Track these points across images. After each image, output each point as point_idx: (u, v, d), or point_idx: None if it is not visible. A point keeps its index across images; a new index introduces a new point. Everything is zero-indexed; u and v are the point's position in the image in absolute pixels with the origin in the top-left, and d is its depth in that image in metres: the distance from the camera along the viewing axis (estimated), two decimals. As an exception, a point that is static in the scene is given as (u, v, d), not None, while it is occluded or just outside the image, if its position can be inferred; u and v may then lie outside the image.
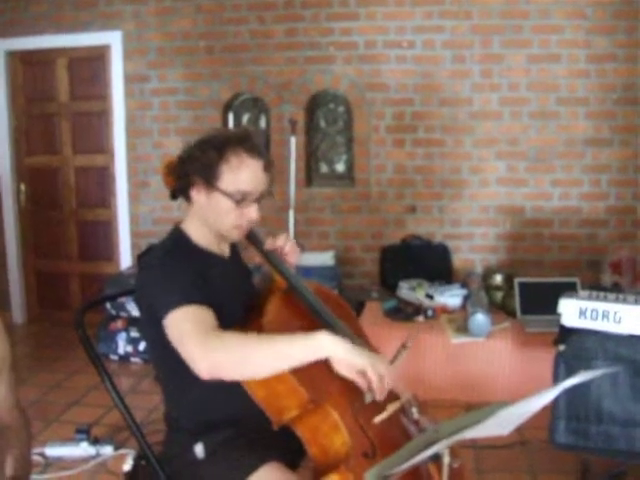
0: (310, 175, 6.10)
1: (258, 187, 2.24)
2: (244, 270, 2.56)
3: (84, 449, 3.92)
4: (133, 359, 5.53)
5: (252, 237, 2.39)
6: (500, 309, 5.14)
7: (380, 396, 2.06)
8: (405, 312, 4.96)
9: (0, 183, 6.51)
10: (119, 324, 5.56)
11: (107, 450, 3.95)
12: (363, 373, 2.03)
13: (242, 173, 2.20)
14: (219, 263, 2.35)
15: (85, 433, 3.98)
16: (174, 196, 2.42)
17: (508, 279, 5.35)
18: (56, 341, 6.08)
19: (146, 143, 6.20)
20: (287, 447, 2.24)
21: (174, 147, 5.98)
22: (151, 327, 2.25)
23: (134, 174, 6.27)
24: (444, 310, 5.02)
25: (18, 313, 6.66)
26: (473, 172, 5.78)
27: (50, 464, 3.84)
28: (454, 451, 1.87)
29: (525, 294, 4.94)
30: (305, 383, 2.08)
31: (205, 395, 2.26)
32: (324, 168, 6.14)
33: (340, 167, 6.13)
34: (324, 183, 6.09)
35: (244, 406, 2.13)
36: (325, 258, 5.72)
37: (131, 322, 5.53)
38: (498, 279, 5.43)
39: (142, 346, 5.44)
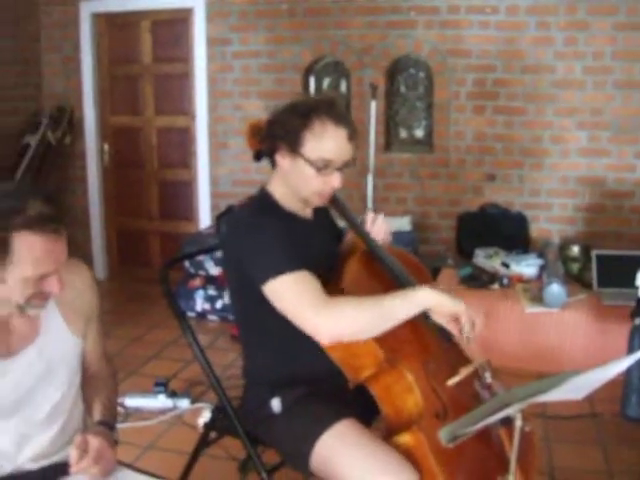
0: (389, 140, 6.09)
1: (341, 156, 2.26)
2: (331, 232, 2.61)
3: (162, 401, 4.07)
4: (210, 316, 5.66)
5: (335, 202, 2.43)
6: (576, 281, 5.07)
7: (470, 338, 2.15)
8: (480, 280, 4.95)
9: (85, 143, 6.68)
10: (197, 282, 5.68)
11: (184, 403, 4.09)
12: (457, 319, 2.14)
13: (326, 141, 2.23)
14: (303, 225, 2.40)
15: (163, 386, 4.12)
16: (257, 157, 2.45)
17: (585, 251, 5.28)
18: (136, 297, 6.25)
19: (227, 105, 6.27)
20: (361, 405, 2.29)
21: (255, 110, 6.06)
22: (236, 282, 2.35)
23: (214, 136, 6.35)
24: (520, 279, 5.00)
25: (100, 269, 6.85)
26: (554, 142, 5.69)
27: (129, 414, 3.99)
28: (525, 416, 1.90)
29: (602, 266, 4.88)
30: (382, 343, 2.14)
31: (284, 351, 2.33)
32: (403, 133, 6.12)
33: (419, 133, 6.10)
34: (403, 148, 6.07)
35: (321, 364, 2.20)
36: (402, 223, 5.73)
37: (209, 280, 5.65)
38: (575, 250, 5.37)
39: (219, 304, 5.56)
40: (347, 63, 5.98)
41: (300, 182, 2.29)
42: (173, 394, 4.11)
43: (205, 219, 6.47)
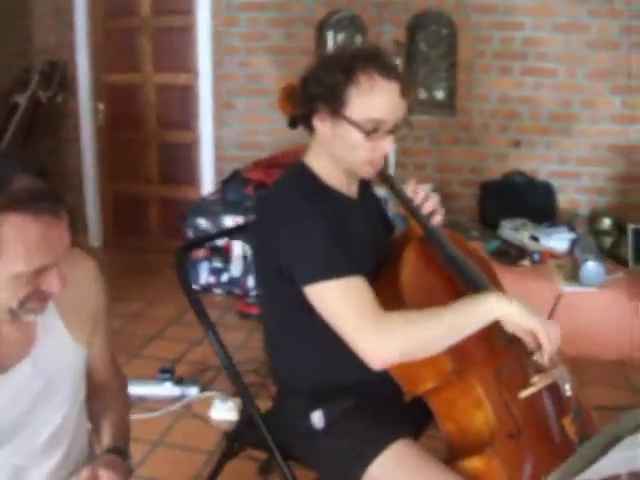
0: (407, 102, 5.70)
1: (393, 115, 1.90)
2: (375, 211, 2.26)
3: (168, 389, 3.76)
4: (215, 290, 5.33)
5: (384, 175, 2.06)
6: (608, 256, 4.72)
7: (547, 359, 1.82)
8: (509, 255, 4.61)
9: (78, 101, 6.29)
10: (200, 253, 5.31)
11: (192, 391, 3.79)
12: (533, 334, 1.80)
13: (374, 98, 1.87)
14: (349, 206, 2.04)
15: (170, 373, 3.81)
16: (293, 124, 2.07)
17: (617, 224, 4.94)
18: (133, 268, 5.90)
19: (232, 62, 5.87)
20: (412, 419, 2.00)
21: (263, 67, 5.71)
22: (271, 275, 1.98)
23: (219, 95, 5.97)
24: (551, 254, 4.67)
25: (94, 237, 6.52)
26: (585, 106, 5.31)
27: (133, 404, 3.64)
28: None
29: (639, 242, 4.57)
30: (450, 351, 1.81)
31: (326, 356, 1.99)
32: (423, 94, 5.74)
33: (440, 94, 5.73)
34: (422, 110, 5.67)
35: (369, 372, 1.84)
36: (421, 191, 5.38)
37: (215, 251, 5.29)
38: (607, 223, 5.01)
39: (225, 277, 5.25)
40: (364, 17, 5.54)
41: (345, 150, 1.93)
42: (180, 381, 3.81)
43: (208, 184, 6.13)
